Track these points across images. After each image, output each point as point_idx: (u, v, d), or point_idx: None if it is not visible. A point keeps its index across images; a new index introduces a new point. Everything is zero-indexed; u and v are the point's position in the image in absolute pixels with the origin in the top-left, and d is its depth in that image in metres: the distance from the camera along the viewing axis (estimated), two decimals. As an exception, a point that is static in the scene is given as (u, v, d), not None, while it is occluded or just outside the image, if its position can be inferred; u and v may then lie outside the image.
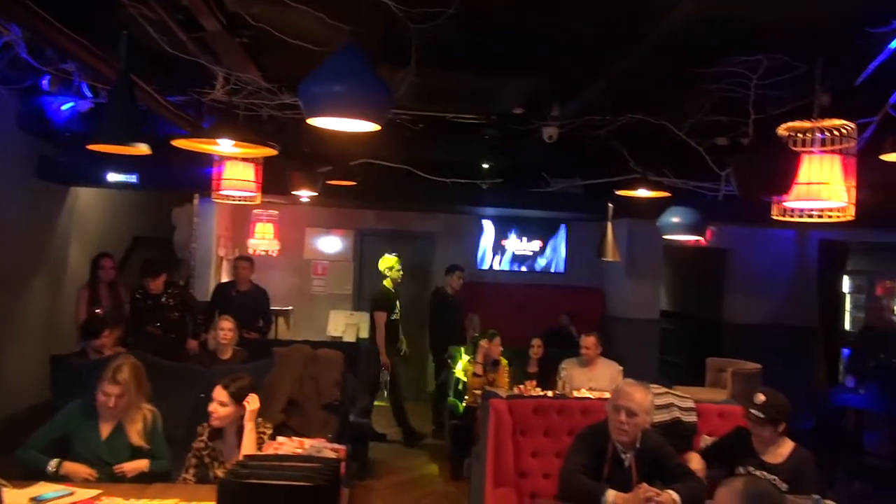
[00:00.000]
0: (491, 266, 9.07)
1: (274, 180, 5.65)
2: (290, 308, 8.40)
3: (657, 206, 5.80)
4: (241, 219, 8.25)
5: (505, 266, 9.07)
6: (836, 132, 2.82)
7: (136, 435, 3.14)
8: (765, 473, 3.21)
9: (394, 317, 6.59)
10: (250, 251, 7.82)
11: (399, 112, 5.65)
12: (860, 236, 8.26)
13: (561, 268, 9.05)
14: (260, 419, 3.23)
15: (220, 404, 3.05)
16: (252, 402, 3.09)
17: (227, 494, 2.22)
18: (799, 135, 2.86)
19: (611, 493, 2.88)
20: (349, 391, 3.92)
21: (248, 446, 2.97)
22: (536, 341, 5.93)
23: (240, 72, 4.41)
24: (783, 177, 2.50)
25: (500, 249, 9.10)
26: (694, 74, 4.05)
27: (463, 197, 7.26)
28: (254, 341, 5.84)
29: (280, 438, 2.84)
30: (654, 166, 5.72)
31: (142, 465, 3.06)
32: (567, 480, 3.04)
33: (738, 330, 8.04)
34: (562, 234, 9.08)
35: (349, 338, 8.11)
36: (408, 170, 6.46)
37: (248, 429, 3.02)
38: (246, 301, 6.20)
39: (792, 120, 3.04)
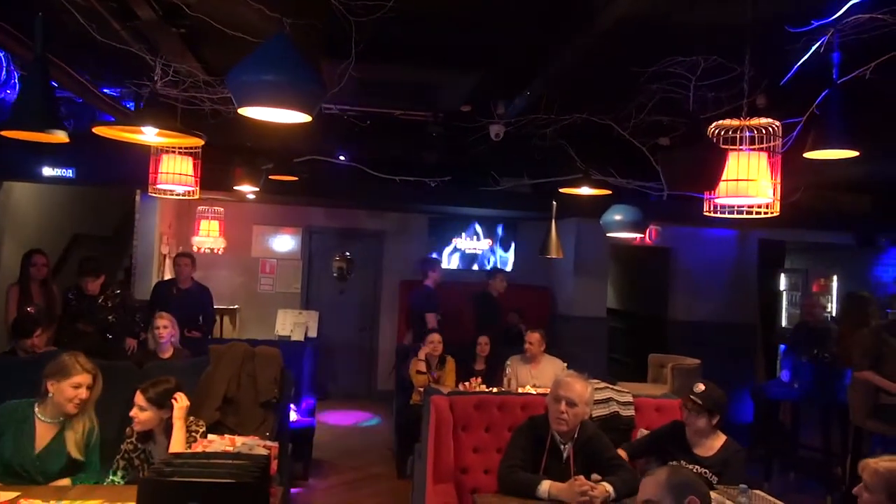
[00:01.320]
0: (443, 264, 9.06)
1: (216, 176, 5.57)
2: (236, 307, 8.26)
3: (604, 206, 5.88)
4: (185, 215, 8.07)
5: (454, 265, 9.08)
6: (763, 131, 2.89)
7: (73, 446, 3.01)
8: (696, 467, 3.27)
9: (439, 318, 6.64)
10: (195, 249, 7.66)
11: (346, 108, 5.62)
12: (797, 236, 8.54)
13: (510, 266, 9.11)
14: (192, 417, 3.16)
15: (139, 409, 2.96)
16: (180, 401, 3.00)
17: (148, 493, 2.15)
18: (729, 133, 2.93)
19: (545, 483, 2.90)
20: (288, 389, 3.86)
21: (176, 445, 2.90)
22: (483, 338, 5.94)
23: (178, 63, 4.31)
24: (709, 172, 2.56)
25: (449, 248, 9.11)
26: (634, 74, 4.12)
27: (411, 195, 7.24)
28: (196, 340, 5.72)
29: (210, 436, 2.78)
30: (600, 166, 5.80)
31: (63, 482, 2.94)
32: (504, 475, 3.06)
33: (683, 327, 8.20)
34: (511, 232, 9.15)
35: (297, 337, 8.02)
36: (356, 167, 6.41)
37: (176, 427, 2.94)
38: (187, 299, 6.05)
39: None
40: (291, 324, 8.21)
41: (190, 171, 4.42)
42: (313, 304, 8.76)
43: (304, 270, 8.86)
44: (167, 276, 7.34)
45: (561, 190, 5.29)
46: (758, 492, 3.03)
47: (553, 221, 5.74)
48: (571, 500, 2.82)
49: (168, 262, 7.67)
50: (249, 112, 2.50)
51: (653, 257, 8.65)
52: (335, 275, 9.01)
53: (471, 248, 9.13)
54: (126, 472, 3.07)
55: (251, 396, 3.52)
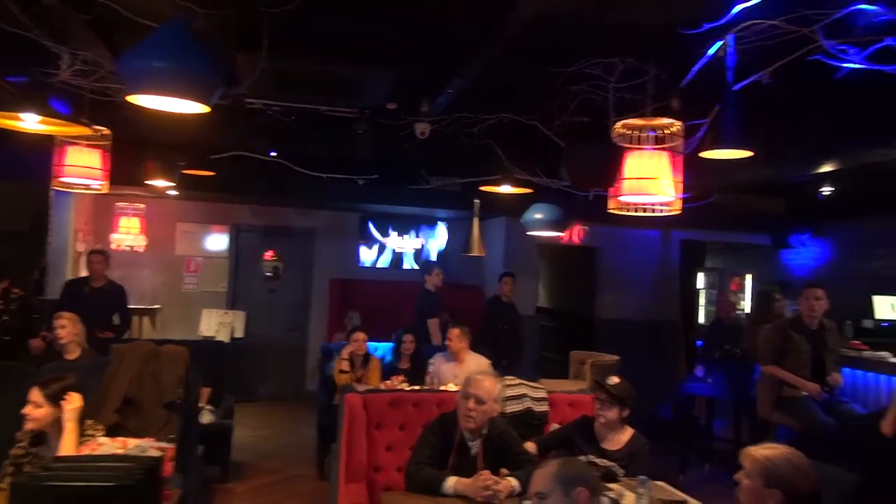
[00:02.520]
0: (372, 263, 9.02)
1: (129, 170, 5.37)
2: (157, 307, 7.99)
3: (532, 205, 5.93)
4: (104, 212, 7.77)
5: (385, 263, 9.04)
6: (665, 130, 2.96)
7: None
8: (605, 460, 3.33)
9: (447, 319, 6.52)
10: (113, 246, 7.38)
11: (269, 103, 5.50)
12: (717, 236, 8.85)
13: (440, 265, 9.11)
14: (90, 421, 3.02)
15: (34, 405, 2.82)
16: (72, 401, 2.87)
17: (22, 499, 2.04)
18: (634, 132, 3.00)
19: (451, 479, 2.90)
20: (196, 389, 3.75)
21: (66, 448, 2.76)
22: (408, 336, 5.90)
23: (86, 52, 4.13)
24: (611, 170, 2.61)
25: (380, 247, 9.06)
26: (554, 74, 4.16)
27: (340, 193, 7.17)
28: (109, 341, 5.50)
29: (100, 439, 2.66)
30: (527, 165, 5.86)
31: None
32: (411, 473, 3.04)
33: (610, 325, 8.37)
34: (441, 231, 9.16)
35: (223, 337, 7.83)
36: (282, 163, 6.29)
37: (67, 429, 2.81)
38: (100, 298, 5.81)
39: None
40: (217, 324, 8.01)
41: (98, 164, 4.24)
42: (241, 303, 8.57)
43: (231, 269, 8.65)
44: (83, 275, 7.04)
45: (481, 188, 5.32)
46: (659, 483, 3.11)
47: (475, 220, 5.76)
48: (476, 496, 2.82)
49: (84, 260, 7.37)
50: (140, 100, 2.41)
51: (581, 257, 8.80)
52: (269, 274, 8.82)
53: (401, 246, 9.10)
54: (14, 478, 2.91)
55: (154, 397, 3.39)
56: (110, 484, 2.02)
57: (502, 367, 6.14)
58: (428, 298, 6.69)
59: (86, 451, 2.57)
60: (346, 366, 5.47)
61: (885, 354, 5.37)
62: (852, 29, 2.78)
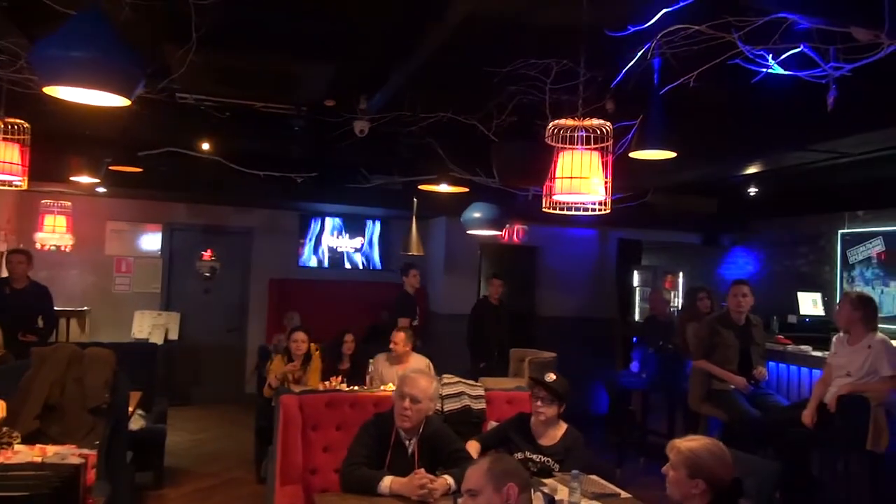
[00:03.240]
0: (314, 262, 8.90)
1: (52, 166, 5.16)
2: (85, 309, 7.69)
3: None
4: (27, 210, 7.42)
5: (325, 263, 8.94)
6: (597, 131, 3.01)
7: None
8: (541, 456, 3.37)
9: (415, 322, 6.54)
10: (38, 246, 7.05)
11: (202, 98, 5.36)
12: (652, 236, 9.09)
13: (381, 264, 9.08)
14: (6, 428, 2.88)
15: None
16: None
17: (-75, 512, 1.93)
18: (566, 132, 3.04)
19: (387, 479, 2.88)
20: (123, 393, 3.61)
21: (-19, 458, 2.62)
22: (348, 336, 5.84)
23: (4, 41, 3.94)
24: (539, 168, 2.63)
25: (319, 246, 8.95)
26: (489, 74, 4.19)
27: (278, 191, 7.04)
28: (31, 344, 5.26)
29: (17, 446, 2.54)
30: (467, 164, 5.89)
31: None
32: (346, 473, 3.01)
33: (550, 323, 8.48)
34: (382, 230, 9.11)
35: (156, 339, 7.61)
36: (217, 161, 6.14)
37: (-17, 439, 2.67)
38: (21, 300, 5.56)
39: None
40: (150, 326, 7.78)
41: (16, 158, 4.05)
42: (175, 304, 8.33)
43: (164, 269, 8.39)
44: (4, 275, 6.71)
45: (420, 187, 5.31)
46: (591, 476, 3.17)
47: (413, 219, 5.76)
48: (411, 494, 2.82)
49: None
50: (58, 92, 2.31)
51: (522, 256, 8.89)
52: (207, 274, 8.57)
53: (341, 245, 9.02)
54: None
55: (78, 402, 3.25)
56: (24, 494, 1.93)
57: (479, 370, 6.24)
58: (404, 300, 6.81)
59: (0, 459, 2.44)
60: (275, 381, 5.32)
61: (807, 348, 5.61)
62: (774, 35, 2.89)
